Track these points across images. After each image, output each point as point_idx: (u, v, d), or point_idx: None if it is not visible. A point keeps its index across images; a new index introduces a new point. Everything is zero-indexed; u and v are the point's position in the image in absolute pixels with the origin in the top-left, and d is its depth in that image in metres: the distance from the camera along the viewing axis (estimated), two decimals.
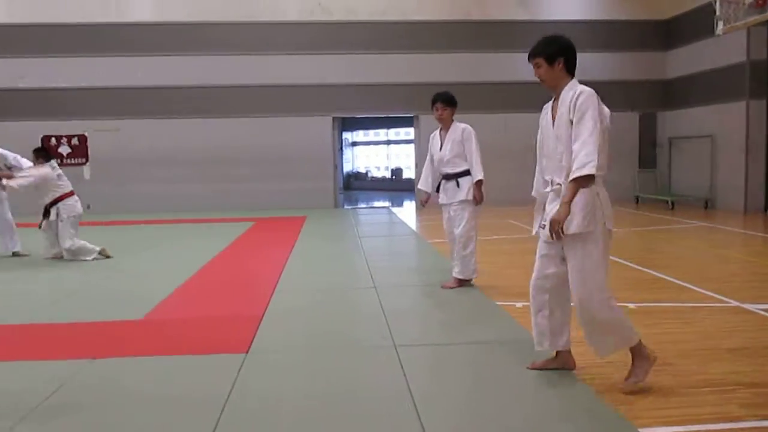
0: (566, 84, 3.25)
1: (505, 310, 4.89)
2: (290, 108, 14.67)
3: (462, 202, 5.50)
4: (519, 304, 5.06)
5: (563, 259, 3.26)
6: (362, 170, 27.07)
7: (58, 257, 7.71)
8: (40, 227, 7.70)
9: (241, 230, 10.43)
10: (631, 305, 4.97)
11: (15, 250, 8.06)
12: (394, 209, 15.22)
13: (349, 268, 7.04)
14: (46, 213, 7.66)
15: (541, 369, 3.47)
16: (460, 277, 5.63)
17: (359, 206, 16.60)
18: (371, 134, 27.52)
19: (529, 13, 14.89)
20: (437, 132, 5.75)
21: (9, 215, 8.05)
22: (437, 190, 5.76)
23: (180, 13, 14.39)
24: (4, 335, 4.40)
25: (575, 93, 3.14)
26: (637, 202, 14.77)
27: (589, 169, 3.00)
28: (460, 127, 5.56)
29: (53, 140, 14.02)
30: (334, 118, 15.10)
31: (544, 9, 15.09)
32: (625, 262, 6.90)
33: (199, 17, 14.41)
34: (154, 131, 14.48)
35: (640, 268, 6.63)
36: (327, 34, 14.65)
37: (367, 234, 10.10)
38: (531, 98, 14.87)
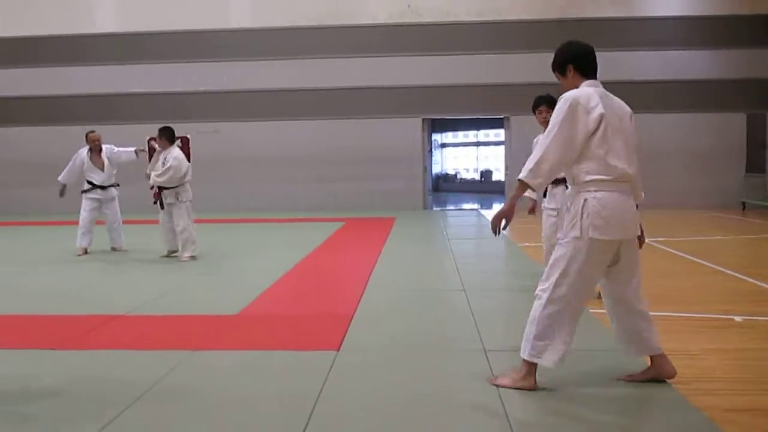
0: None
1: (598, 318, 4.72)
2: (380, 110, 14.82)
3: None
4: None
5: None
6: (451, 172, 26.94)
7: (174, 253, 7.84)
8: (162, 207, 7.73)
9: (331, 230, 10.61)
10: (737, 318, 4.68)
11: (114, 246, 8.53)
12: (483, 211, 15.05)
13: (438, 270, 7.02)
14: (159, 198, 7.69)
15: (632, 380, 3.33)
16: None
17: (448, 208, 16.53)
18: (460, 136, 27.36)
19: (625, 10, 14.34)
20: (540, 136, 5.53)
21: (117, 212, 8.52)
22: (544, 195, 5.60)
23: (276, 19, 14.83)
24: (113, 326, 4.68)
25: (558, 99, 3.20)
26: (744, 208, 13.90)
27: (521, 174, 3.14)
28: None
29: None
30: (423, 120, 15.12)
31: (641, 5, 14.49)
32: (730, 272, 6.52)
33: (292, 23, 14.80)
34: (251, 133, 15.01)
35: (746, 278, 6.24)
36: (417, 36, 14.68)
37: (455, 236, 10.03)
38: (632, 98, 14.24)
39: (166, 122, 14.76)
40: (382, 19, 14.76)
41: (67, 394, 3.24)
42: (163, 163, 7.61)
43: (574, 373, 3.43)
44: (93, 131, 8.58)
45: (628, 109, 3.26)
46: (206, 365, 3.72)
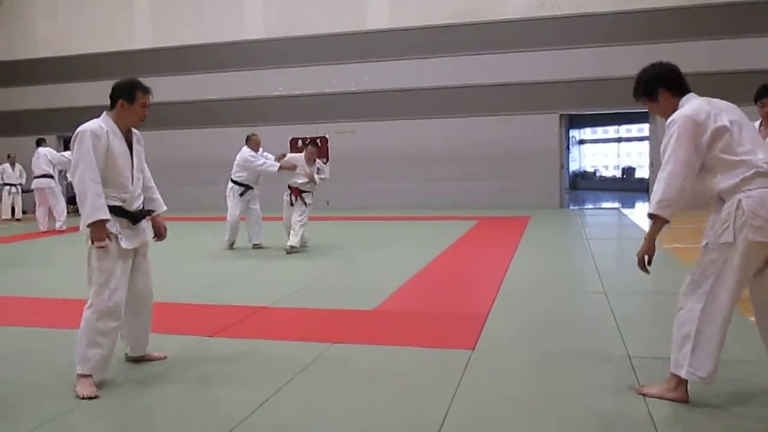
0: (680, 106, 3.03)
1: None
2: (517, 106, 14.53)
3: None
4: None
5: None
6: (590, 169, 25.91)
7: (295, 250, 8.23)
8: (292, 204, 8.37)
9: (465, 228, 10.56)
10: None
11: (256, 242, 8.81)
12: (625, 210, 14.31)
13: (576, 271, 6.77)
14: (299, 198, 8.35)
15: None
16: None
17: (586, 207, 15.90)
18: (599, 131, 26.23)
19: None
20: (756, 124, 4.80)
21: (259, 209, 8.91)
22: None
23: (412, 18, 14.99)
24: (261, 317, 4.96)
25: (668, 122, 2.99)
26: None
27: (652, 209, 2.96)
28: None
29: (299, 142, 15.48)
30: (561, 116, 14.64)
31: None
32: None
33: (428, 22, 14.88)
34: (386, 132, 15.31)
35: None
36: (555, 29, 14.23)
37: (595, 236, 9.62)
38: None
39: (307, 123, 15.56)
40: (520, 13, 14.46)
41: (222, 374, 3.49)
42: (318, 170, 8.55)
43: (730, 384, 3.18)
44: (255, 134, 8.95)
45: (733, 105, 3.00)
46: (344, 358, 3.83)
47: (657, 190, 2.95)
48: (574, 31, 14.10)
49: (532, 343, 4.13)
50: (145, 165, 3.73)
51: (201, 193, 15.64)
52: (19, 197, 15.03)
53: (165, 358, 3.85)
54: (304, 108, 15.68)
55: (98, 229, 3.33)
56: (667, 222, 2.96)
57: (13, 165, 14.99)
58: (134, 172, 3.57)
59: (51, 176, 12.12)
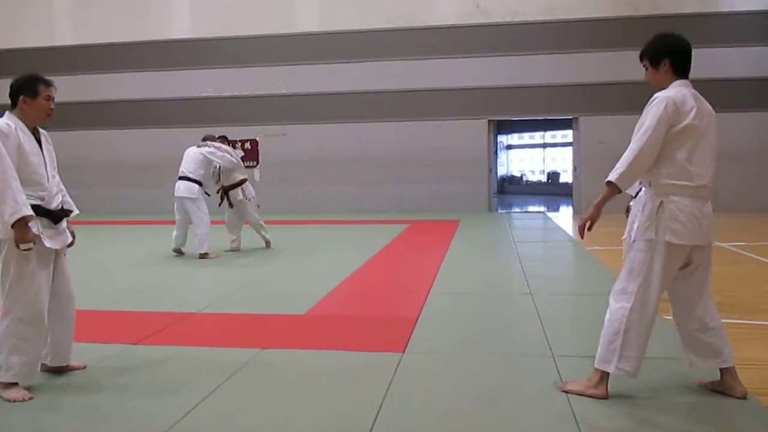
0: (670, 87, 3.06)
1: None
2: (446, 111, 14.78)
3: None
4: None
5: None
6: (517, 174, 26.60)
7: (236, 249, 8.47)
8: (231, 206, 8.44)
9: (395, 232, 10.65)
10: None
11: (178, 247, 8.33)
12: (550, 214, 14.77)
13: (504, 274, 6.93)
14: (226, 197, 8.43)
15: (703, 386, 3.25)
16: None
17: (513, 210, 16.31)
18: (526, 137, 26.97)
19: (702, 6, 13.79)
20: None
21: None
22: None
23: (345, 22, 15.01)
24: (188, 323, 4.83)
25: (653, 98, 3.05)
26: None
27: (613, 177, 3.02)
28: None
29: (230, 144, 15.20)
30: (489, 121, 14.97)
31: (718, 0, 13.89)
32: None
33: (361, 26, 14.93)
34: (317, 135, 15.24)
35: None
36: (484, 37, 14.56)
37: (522, 239, 9.88)
38: (723, 97, 13.68)
39: (237, 125, 15.31)
40: (451, 20, 14.70)
41: (146, 385, 3.37)
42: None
43: (648, 380, 3.32)
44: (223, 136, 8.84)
45: (713, 112, 3.11)
46: (274, 364, 3.78)
47: (623, 162, 3.01)
48: (502, 38, 14.47)
49: (460, 344, 4.19)
50: (56, 164, 3.57)
51: (131, 195, 15.18)
52: None
53: (84, 368, 3.68)
54: (235, 109, 15.42)
55: (23, 229, 3.15)
56: (619, 192, 3.06)
57: None
58: (48, 169, 3.42)
59: None
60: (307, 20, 15.23)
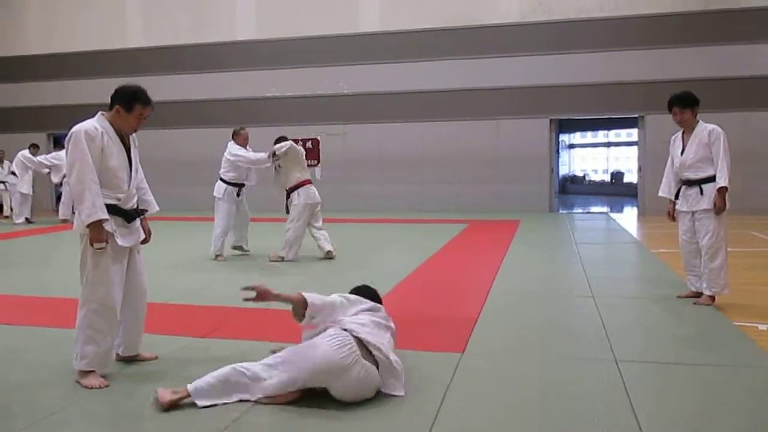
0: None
1: (744, 331, 4.41)
2: (508, 110, 14.62)
3: (707, 210, 5.07)
4: (763, 326, 4.54)
5: None
6: (579, 173, 26.07)
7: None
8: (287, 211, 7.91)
9: (455, 232, 10.62)
10: None
11: (239, 244, 8.28)
12: (614, 215, 14.42)
13: (565, 275, 6.83)
14: (287, 203, 7.92)
15: None
16: (708, 293, 5.11)
17: (575, 211, 16.00)
18: (589, 136, 26.40)
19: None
20: (679, 134, 5.35)
21: (247, 210, 8.35)
22: (676, 197, 5.37)
23: (405, 22, 15.05)
24: (248, 317, 4.96)
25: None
26: None
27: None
28: (707, 129, 5.11)
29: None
30: (551, 120, 14.74)
31: None
32: None
33: (421, 25, 14.94)
34: (377, 135, 15.35)
35: None
36: (546, 34, 14.34)
37: (583, 240, 9.70)
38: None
39: (299, 124, 15.56)
40: (512, 18, 14.54)
41: None
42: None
43: (716, 387, 3.23)
44: (244, 128, 8.26)
45: None
46: None
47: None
48: (564, 36, 14.21)
49: (521, 345, 4.18)
50: (139, 166, 3.74)
51: (194, 194, 15.67)
52: (8, 195, 14.94)
53: (156, 358, 3.85)
54: (296, 109, 15.69)
55: (98, 230, 3.34)
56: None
57: (1, 162, 14.90)
58: (131, 173, 3.59)
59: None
60: (369, 20, 15.35)
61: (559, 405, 3.14)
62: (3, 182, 14.79)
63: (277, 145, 7.82)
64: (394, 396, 3.20)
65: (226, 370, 3.13)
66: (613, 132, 24.53)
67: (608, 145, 25.54)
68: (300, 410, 3.05)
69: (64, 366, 3.61)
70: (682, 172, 5.24)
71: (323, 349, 3.07)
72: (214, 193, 8.08)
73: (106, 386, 3.38)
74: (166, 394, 3.07)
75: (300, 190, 7.81)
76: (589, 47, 14.06)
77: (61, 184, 13.46)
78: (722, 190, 4.98)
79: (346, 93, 15.49)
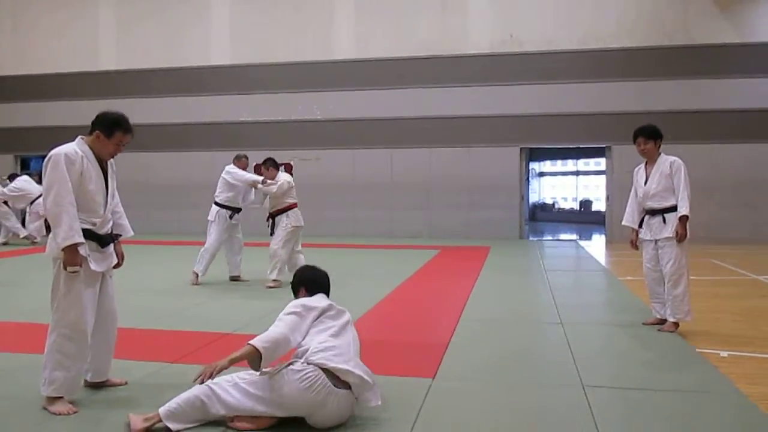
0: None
1: (706, 357, 4.53)
2: (477, 138, 14.86)
3: (669, 238, 5.24)
4: (724, 353, 4.67)
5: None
6: (549, 201, 26.46)
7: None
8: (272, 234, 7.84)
9: (426, 258, 10.70)
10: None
11: (235, 274, 8.22)
12: (582, 242, 14.67)
13: (534, 302, 6.94)
14: (272, 225, 7.86)
15: None
16: (672, 319, 5.26)
17: (545, 238, 16.23)
18: (559, 164, 26.87)
19: (739, 36, 13.72)
20: (642, 165, 5.56)
21: (241, 237, 8.28)
22: (639, 226, 5.54)
23: (379, 50, 15.27)
24: (223, 343, 4.94)
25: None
26: None
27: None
28: (668, 160, 5.34)
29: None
30: (521, 149, 15.02)
31: (756, 30, 13.81)
32: None
33: (395, 53, 15.17)
34: (348, 160, 15.45)
35: None
36: (517, 65, 14.67)
37: (553, 267, 9.85)
38: (743, 128, 13.62)
39: (271, 149, 15.56)
40: (483, 48, 14.85)
41: None
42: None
43: (680, 413, 3.32)
44: (246, 156, 8.39)
45: None
46: None
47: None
48: (535, 67, 14.55)
49: (490, 371, 4.24)
50: (116, 190, 3.75)
51: (166, 217, 15.56)
52: None
53: (125, 383, 3.81)
54: (270, 134, 15.73)
55: (73, 254, 3.34)
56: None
57: None
58: (108, 197, 3.60)
59: None
60: (343, 48, 15.53)
61: (525, 429, 3.20)
62: None
63: (274, 187, 7.73)
64: (370, 417, 3.24)
65: (195, 390, 3.12)
66: (582, 161, 25.01)
67: (577, 173, 26.02)
68: None
69: (30, 392, 3.56)
70: (645, 201, 5.41)
71: (292, 391, 3.03)
72: (208, 217, 8.07)
73: (75, 412, 3.34)
74: (138, 421, 3.05)
75: (289, 212, 7.84)
76: (560, 78, 14.41)
77: (24, 210, 13.34)
78: (683, 219, 5.17)
79: (320, 119, 15.59)
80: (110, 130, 3.52)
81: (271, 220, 7.91)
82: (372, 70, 15.32)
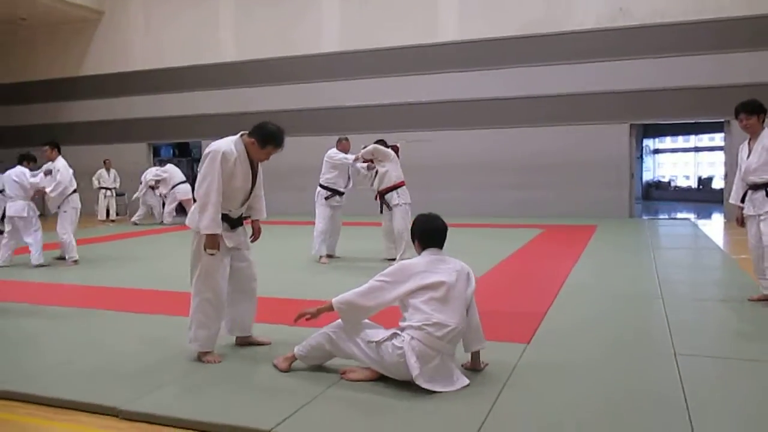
0: None
1: None
2: (586, 116, 14.61)
3: None
4: None
5: None
6: (665, 179, 25.36)
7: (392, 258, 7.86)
8: (381, 211, 8.19)
9: (530, 236, 10.80)
10: None
11: (329, 253, 8.51)
12: (700, 221, 14.11)
13: (637, 277, 6.92)
14: (382, 202, 8.12)
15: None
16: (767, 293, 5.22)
17: (658, 217, 15.73)
18: (680, 140, 25.67)
19: None
20: (746, 141, 5.45)
21: (340, 220, 8.62)
22: (742, 201, 5.46)
23: (482, 30, 15.34)
24: None
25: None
26: None
27: None
28: None
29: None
30: (631, 126, 14.61)
31: None
32: None
33: (498, 33, 15.18)
34: (456, 141, 15.68)
35: None
36: (626, 40, 14.25)
37: (662, 245, 9.68)
38: None
39: (381, 132, 16.08)
40: (590, 24, 14.55)
41: None
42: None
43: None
44: (347, 139, 8.65)
45: None
46: None
47: None
48: (645, 41, 14.08)
49: (583, 338, 4.44)
50: (261, 184, 4.27)
51: (284, 199, 16.51)
52: (114, 200, 16.25)
53: (269, 343, 4.33)
54: (377, 118, 16.23)
55: (212, 239, 3.91)
56: None
57: (108, 170, 16.23)
58: (251, 193, 4.13)
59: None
60: (448, 30, 15.72)
61: (612, 390, 3.41)
62: (110, 188, 16.11)
63: (363, 151, 8.15)
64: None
65: (319, 337, 3.65)
66: (701, 137, 23.76)
67: (696, 150, 24.73)
68: (377, 388, 3.45)
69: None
70: (747, 176, 5.32)
71: (392, 361, 3.39)
72: (315, 198, 8.55)
73: (219, 362, 3.95)
74: (281, 361, 3.78)
75: (399, 190, 8.07)
76: (672, 51, 13.86)
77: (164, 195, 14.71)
78: None
79: (425, 101, 15.91)
80: (264, 143, 4.00)
81: (380, 199, 8.21)
82: (475, 51, 15.40)
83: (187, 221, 4.12)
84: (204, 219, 3.87)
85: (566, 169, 14.77)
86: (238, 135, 4.05)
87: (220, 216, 3.91)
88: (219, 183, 3.87)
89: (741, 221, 5.53)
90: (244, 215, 4.25)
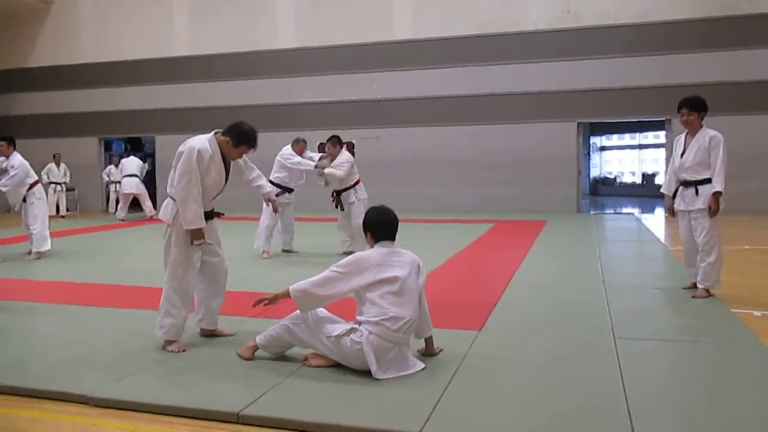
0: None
1: (738, 317, 4.87)
2: (535, 114, 15.06)
3: (702, 210, 5.45)
4: (757, 313, 4.99)
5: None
6: (611, 175, 26.20)
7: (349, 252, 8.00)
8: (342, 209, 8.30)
9: (482, 231, 11.13)
10: None
11: (286, 248, 8.70)
12: (643, 215, 14.73)
13: (582, 268, 7.29)
14: (338, 201, 8.30)
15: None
16: (701, 286, 5.57)
17: (604, 212, 16.33)
18: (626, 138, 26.51)
19: None
20: (683, 135, 5.68)
21: (291, 216, 8.73)
22: (673, 195, 5.79)
23: (437, 29, 15.62)
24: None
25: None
26: None
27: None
28: (708, 135, 5.44)
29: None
30: (579, 124, 15.13)
31: None
32: None
33: (452, 32, 15.49)
34: (407, 138, 15.93)
35: None
36: (574, 40, 14.75)
37: (606, 238, 10.14)
38: None
39: (333, 129, 16.20)
40: (541, 25, 14.99)
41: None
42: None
43: (696, 359, 3.72)
44: (304, 140, 8.69)
45: None
46: None
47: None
48: (592, 41, 14.60)
49: (531, 326, 4.72)
50: (253, 165, 4.61)
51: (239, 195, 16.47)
52: (64, 195, 15.94)
53: (233, 335, 4.47)
54: (331, 114, 16.35)
55: (197, 232, 4.09)
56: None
57: (58, 164, 15.91)
58: (222, 189, 4.27)
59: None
60: (402, 29, 15.95)
61: (554, 369, 3.69)
62: (59, 183, 15.80)
63: (338, 171, 8.14)
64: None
65: (278, 328, 3.82)
66: (644, 135, 24.65)
67: (640, 147, 25.63)
68: (337, 374, 3.63)
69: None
70: (681, 173, 5.61)
71: (351, 353, 3.56)
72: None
73: (183, 351, 4.09)
74: (244, 349, 3.94)
75: (356, 187, 8.37)
76: (618, 53, 14.42)
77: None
78: (717, 194, 5.34)
79: (379, 98, 16.11)
80: (238, 142, 4.15)
81: (336, 197, 8.40)
82: (429, 49, 15.68)
83: (161, 215, 4.25)
84: (188, 214, 4.03)
85: (517, 165, 15.19)
86: (212, 133, 4.17)
87: (202, 211, 4.08)
88: (198, 179, 4.02)
89: (672, 211, 5.86)
90: (214, 210, 4.40)
